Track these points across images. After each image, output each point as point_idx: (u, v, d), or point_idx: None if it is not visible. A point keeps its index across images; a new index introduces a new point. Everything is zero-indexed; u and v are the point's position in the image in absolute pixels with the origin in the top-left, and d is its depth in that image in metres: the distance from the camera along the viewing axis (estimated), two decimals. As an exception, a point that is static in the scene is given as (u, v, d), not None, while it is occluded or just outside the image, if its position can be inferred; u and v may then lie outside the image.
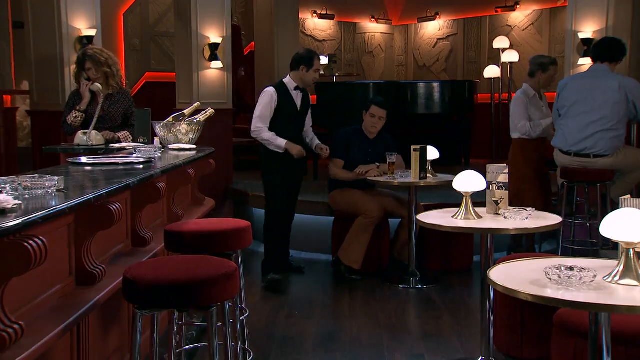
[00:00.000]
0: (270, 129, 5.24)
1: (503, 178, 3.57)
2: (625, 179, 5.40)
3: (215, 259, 2.42)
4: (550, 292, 2.21)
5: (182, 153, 4.08)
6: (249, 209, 6.94)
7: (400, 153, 5.49)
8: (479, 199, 3.59)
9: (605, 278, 2.28)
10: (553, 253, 5.47)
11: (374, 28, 12.64)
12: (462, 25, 11.72)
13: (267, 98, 5.23)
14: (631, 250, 2.25)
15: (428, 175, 5.18)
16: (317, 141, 5.52)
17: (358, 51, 12.44)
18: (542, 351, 3.49)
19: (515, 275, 2.44)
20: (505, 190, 3.56)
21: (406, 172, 5.19)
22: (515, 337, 3.68)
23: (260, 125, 5.22)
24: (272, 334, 4.19)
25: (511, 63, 9.99)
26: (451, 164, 7.67)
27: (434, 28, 12.19)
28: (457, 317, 4.52)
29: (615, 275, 2.27)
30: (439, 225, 3.46)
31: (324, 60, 10.52)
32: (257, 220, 6.86)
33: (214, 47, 7.19)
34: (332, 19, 12.12)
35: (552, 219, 3.52)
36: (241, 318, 3.26)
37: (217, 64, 7.24)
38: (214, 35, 7.24)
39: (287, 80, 5.33)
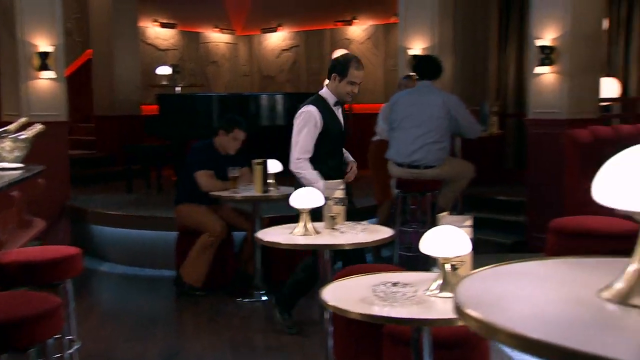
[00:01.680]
0: (315, 157, 4.26)
1: (339, 194, 3.67)
2: (451, 187, 5.77)
3: (35, 295, 2.30)
4: (377, 310, 2.29)
5: (5, 173, 3.83)
6: (89, 226, 6.66)
7: (248, 166, 5.49)
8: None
9: (425, 292, 2.41)
10: (391, 259, 5.73)
11: (217, 38, 12.58)
12: (304, 37, 11.96)
13: (311, 121, 4.20)
14: (448, 264, 2.40)
15: (271, 188, 5.23)
16: (350, 157, 4.55)
17: (202, 61, 12.31)
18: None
19: (346, 293, 2.51)
20: (342, 205, 3.66)
21: (250, 186, 5.21)
22: (351, 348, 3.79)
23: (302, 157, 4.23)
24: (110, 358, 4.05)
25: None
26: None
27: (277, 39, 12.35)
28: (300, 329, 4.59)
29: (435, 289, 2.40)
30: (278, 243, 3.50)
31: (166, 70, 10.32)
32: (97, 238, 6.61)
33: (43, 55, 6.80)
34: (174, 27, 11.92)
35: (385, 232, 3.65)
36: (70, 351, 3.12)
37: (48, 73, 6.85)
38: (44, 43, 6.84)
39: (325, 92, 4.32)
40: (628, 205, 1.18)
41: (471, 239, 2.43)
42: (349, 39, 11.32)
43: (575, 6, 6.33)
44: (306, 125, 4.20)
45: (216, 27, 12.49)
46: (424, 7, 7.72)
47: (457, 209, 6.04)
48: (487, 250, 6.33)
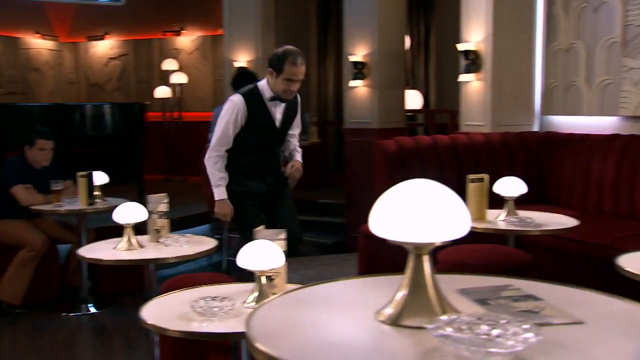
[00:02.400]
0: (234, 149, 3.85)
1: (164, 207, 3.60)
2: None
3: None
4: (196, 326, 2.28)
5: None
6: None
7: (72, 178, 5.21)
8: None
9: (243, 304, 2.43)
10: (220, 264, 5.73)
11: (39, 44, 11.79)
12: (132, 45, 11.58)
13: (233, 112, 3.76)
14: (264, 277, 2.44)
15: (97, 200, 5.02)
16: (297, 156, 4.06)
17: (22, 67, 11.48)
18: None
19: (166, 310, 2.47)
20: (167, 218, 3.60)
21: (75, 199, 4.96)
22: (177, 357, 3.73)
23: (215, 151, 3.84)
24: None
25: (180, 84, 10.21)
26: (127, 182, 7.55)
27: (105, 47, 11.84)
28: (128, 339, 4.45)
29: (251, 302, 2.43)
30: (101, 260, 3.38)
31: None
32: None
33: None
34: (-8, 32, 11.05)
35: (209, 243, 3.63)
36: None
37: None
38: None
39: (263, 84, 3.81)
40: (399, 236, 1.27)
41: (284, 251, 2.50)
42: (177, 49, 11.13)
43: (381, 27, 6.68)
44: (227, 115, 3.78)
45: (37, 33, 11.69)
46: (247, 21, 7.78)
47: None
48: (311, 251, 6.50)
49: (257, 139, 3.84)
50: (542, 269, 4.44)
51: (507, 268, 3.42)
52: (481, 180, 3.62)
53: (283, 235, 2.57)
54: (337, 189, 7.62)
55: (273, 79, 3.68)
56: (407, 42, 8.00)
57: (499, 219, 3.62)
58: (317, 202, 7.50)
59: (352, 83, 6.92)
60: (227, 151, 3.85)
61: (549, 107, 5.54)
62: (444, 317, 1.17)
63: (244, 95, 3.76)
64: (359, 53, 6.86)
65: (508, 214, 3.63)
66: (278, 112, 3.84)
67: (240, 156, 3.86)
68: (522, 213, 3.66)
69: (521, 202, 3.79)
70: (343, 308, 1.44)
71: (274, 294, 2.43)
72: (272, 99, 3.78)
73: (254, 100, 3.76)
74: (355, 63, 6.87)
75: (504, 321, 1.16)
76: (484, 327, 1.15)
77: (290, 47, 3.77)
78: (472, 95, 5.68)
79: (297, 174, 3.96)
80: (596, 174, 4.77)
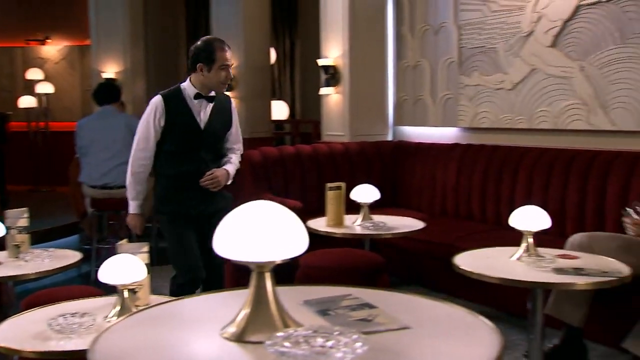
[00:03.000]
0: (159, 157, 3.36)
1: (23, 222, 3.39)
2: (145, 204, 5.69)
3: None
4: (53, 344, 2.16)
5: None
6: None
7: None
8: None
9: (105, 319, 2.34)
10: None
11: None
12: (-7, 54, 10.82)
13: (151, 113, 3.29)
14: (125, 290, 2.35)
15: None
16: (227, 165, 3.46)
17: None
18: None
19: (23, 329, 2.32)
20: (26, 233, 3.39)
21: None
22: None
23: (135, 159, 3.37)
24: None
25: (47, 94, 9.68)
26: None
27: (-38, 55, 10.98)
28: None
29: (113, 316, 2.34)
30: (-46, 278, 3.12)
31: None
32: None
33: None
34: None
35: (73, 257, 3.45)
36: None
37: None
38: None
39: (186, 84, 3.33)
40: (241, 256, 1.27)
41: (147, 263, 2.43)
42: (43, 59, 10.51)
43: (247, 42, 6.69)
44: (145, 116, 3.29)
45: None
46: (114, 32, 7.52)
47: (152, 223, 6.00)
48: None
49: (180, 143, 3.29)
50: (395, 269, 4.63)
51: (362, 269, 3.53)
52: (339, 188, 3.72)
53: (145, 249, 2.50)
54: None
55: (204, 74, 3.22)
56: (273, 55, 8.05)
57: (355, 223, 3.73)
58: (188, 209, 7.36)
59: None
60: (152, 161, 3.36)
61: (400, 119, 5.78)
62: (280, 333, 1.19)
63: (162, 94, 3.31)
64: (226, 66, 6.82)
65: (364, 219, 3.76)
66: (203, 112, 3.30)
67: (165, 166, 3.35)
68: (377, 217, 3.79)
69: (377, 207, 3.94)
70: (192, 326, 1.42)
71: (137, 306, 2.35)
72: (197, 96, 3.27)
73: (173, 99, 3.28)
74: (224, 76, 6.82)
75: (337, 332, 1.19)
76: (319, 340, 1.17)
77: (208, 36, 3.40)
78: (332, 107, 5.82)
79: (212, 184, 3.33)
80: (440, 180, 5.03)
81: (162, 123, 3.27)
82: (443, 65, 5.29)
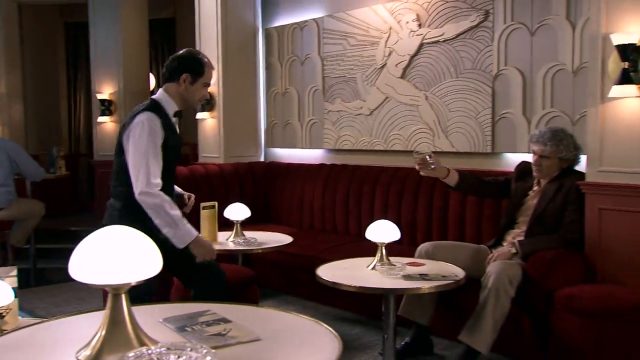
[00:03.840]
0: None
1: None
2: (22, 225, 5.35)
3: None
4: None
5: None
6: None
7: None
8: None
9: None
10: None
11: None
12: None
13: (148, 130, 2.62)
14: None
15: None
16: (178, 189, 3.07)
17: None
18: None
19: None
20: None
21: None
22: None
23: (156, 186, 2.61)
24: None
25: None
26: None
27: None
28: None
29: None
30: None
31: None
32: None
33: None
34: None
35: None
36: None
37: None
38: None
39: (162, 96, 2.77)
40: (97, 280, 1.23)
41: (14, 287, 2.27)
42: None
43: (126, 67, 6.50)
44: (147, 136, 2.61)
45: None
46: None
47: (30, 244, 5.62)
48: (62, 278, 5.96)
49: (167, 164, 2.73)
50: (267, 280, 4.64)
51: (234, 283, 3.50)
52: (213, 207, 3.68)
53: (14, 272, 2.34)
54: (88, 216, 7.17)
55: (186, 86, 2.75)
56: (152, 80, 7.85)
57: (228, 240, 3.70)
58: (68, 229, 6.96)
59: (100, 119, 6.60)
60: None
61: (271, 141, 5.82)
62: (131, 353, 1.15)
63: (152, 111, 2.68)
64: (106, 91, 6.57)
65: (236, 235, 3.74)
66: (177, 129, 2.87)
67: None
68: (248, 234, 3.79)
69: (250, 223, 3.93)
70: (51, 350, 1.35)
71: (5, 330, 2.19)
72: (176, 114, 2.81)
73: (163, 116, 2.71)
74: (103, 100, 6.57)
75: (189, 349, 1.18)
76: (172, 357, 1.15)
77: (190, 48, 2.98)
78: (208, 131, 5.75)
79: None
80: (308, 197, 5.11)
81: (160, 143, 2.68)
82: (309, 92, 5.40)
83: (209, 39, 5.62)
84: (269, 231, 4.14)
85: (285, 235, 3.96)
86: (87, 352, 1.24)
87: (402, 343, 3.39)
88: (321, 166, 5.19)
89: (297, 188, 5.22)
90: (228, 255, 3.95)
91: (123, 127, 2.74)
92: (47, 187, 6.46)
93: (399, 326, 3.15)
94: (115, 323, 1.26)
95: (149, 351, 1.16)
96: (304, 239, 4.38)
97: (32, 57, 7.71)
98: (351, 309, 4.22)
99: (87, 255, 1.23)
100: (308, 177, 5.17)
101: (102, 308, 1.49)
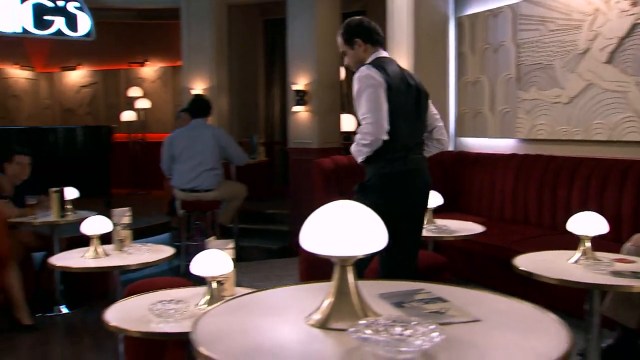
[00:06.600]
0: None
1: (127, 219, 3.52)
2: (228, 205, 5.81)
3: None
4: (153, 327, 2.23)
5: None
6: None
7: (44, 194, 5.04)
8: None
9: (196, 306, 2.39)
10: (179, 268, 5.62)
11: (17, 74, 11.39)
12: (101, 75, 11.30)
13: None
14: (214, 282, 2.40)
15: (68, 213, 4.86)
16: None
17: (3, 94, 11.08)
18: None
19: (127, 312, 2.41)
20: (129, 229, 3.52)
21: (48, 212, 4.80)
22: (140, 350, 3.64)
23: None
24: None
25: (144, 109, 10.04)
26: (96, 196, 7.34)
27: (77, 76, 11.51)
28: (96, 337, 4.29)
29: (204, 304, 2.39)
30: (69, 267, 3.28)
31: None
32: None
33: None
34: (-27, 63, 10.63)
35: (168, 251, 3.55)
36: None
37: None
38: None
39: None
40: (325, 251, 1.27)
41: (233, 258, 2.47)
42: (142, 78, 10.92)
43: (319, 61, 6.73)
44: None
45: (16, 64, 11.32)
46: (203, 54, 7.71)
47: (234, 223, 6.10)
48: (259, 256, 6.44)
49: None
50: (455, 268, 4.54)
51: (426, 268, 3.47)
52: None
53: (231, 245, 2.54)
54: (282, 201, 7.60)
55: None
56: (342, 73, 8.07)
57: (419, 226, 3.67)
58: (264, 212, 7.46)
59: (295, 108, 6.93)
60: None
61: (461, 130, 5.67)
62: (363, 321, 1.18)
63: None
64: (300, 82, 6.88)
65: (428, 223, 3.70)
66: None
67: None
68: (440, 221, 3.73)
69: (439, 212, 3.87)
70: (278, 313, 1.43)
71: (224, 296, 2.40)
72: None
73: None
74: (298, 91, 6.89)
75: (415, 322, 1.17)
76: (398, 329, 1.16)
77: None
78: (397, 120, 5.76)
79: None
80: (499, 187, 4.90)
81: None
82: (502, 80, 5.16)
83: (400, 29, 5.61)
84: (458, 220, 4.04)
85: (476, 224, 3.84)
86: (318, 316, 1.29)
87: (605, 345, 3.10)
88: (513, 156, 4.94)
89: (487, 177, 5.03)
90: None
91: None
92: (248, 172, 6.95)
93: (601, 327, 2.88)
94: (342, 293, 1.30)
95: (377, 322, 1.18)
96: (494, 229, 4.21)
97: (236, 54, 8.33)
98: (544, 303, 3.96)
99: (317, 227, 1.28)
100: (498, 166, 4.96)
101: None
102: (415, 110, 2.92)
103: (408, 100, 2.88)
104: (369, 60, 2.92)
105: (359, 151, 2.93)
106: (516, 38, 4.98)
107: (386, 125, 2.76)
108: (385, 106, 2.76)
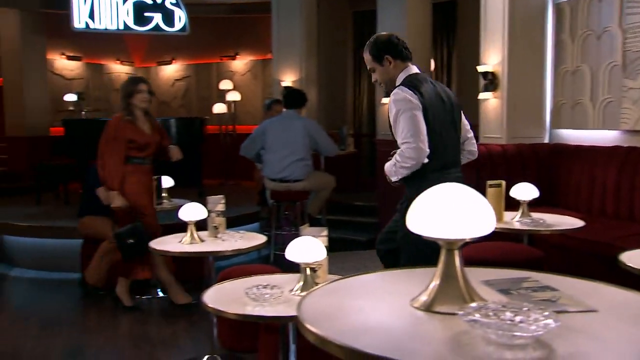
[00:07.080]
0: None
1: (221, 207, 3.62)
2: (317, 196, 5.85)
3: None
4: (250, 310, 2.28)
5: None
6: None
7: None
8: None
9: (290, 292, 2.42)
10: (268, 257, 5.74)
11: (119, 69, 12.06)
12: (194, 69, 11.73)
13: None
14: (308, 268, 2.42)
15: (164, 200, 5.08)
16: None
17: (106, 89, 11.77)
18: (256, 344, 3.60)
19: (224, 295, 2.48)
20: (223, 217, 3.62)
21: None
22: (233, 334, 3.74)
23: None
24: (18, 355, 3.77)
25: (235, 101, 10.31)
26: (189, 186, 7.62)
27: (171, 70, 12.02)
28: (191, 320, 4.47)
29: (297, 290, 2.42)
30: (168, 252, 3.43)
31: (72, 97, 9.81)
32: (7, 246, 6.16)
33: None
34: (80, 60, 11.32)
35: (260, 239, 3.62)
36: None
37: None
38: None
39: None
40: (432, 233, 1.25)
41: (326, 246, 2.48)
42: (232, 71, 11.23)
43: (412, 50, 6.61)
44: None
45: (118, 60, 11.99)
46: (293, 47, 7.80)
47: (322, 214, 6.14)
48: (347, 247, 6.46)
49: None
50: (551, 264, 4.35)
51: (521, 263, 3.34)
52: (499, 185, 3.56)
53: (325, 232, 2.56)
54: (370, 193, 7.58)
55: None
56: (432, 64, 7.93)
57: (514, 220, 3.56)
58: (352, 204, 7.47)
59: (384, 100, 6.87)
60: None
61: (558, 122, 5.42)
62: (472, 305, 1.15)
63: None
64: (390, 75, 6.81)
65: (522, 216, 3.57)
66: None
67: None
68: (535, 215, 3.59)
69: (534, 205, 3.71)
70: (379, 296, 1.42)
71: (317, 283, 2.42)
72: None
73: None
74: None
75: (526, 308, 1.13)
76: (508, 314, 1.12)
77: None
78: (490, 111, 5.59)
79: None
80: (600, 181, 4.64)
81: None
82: (605, 69, 4.87)
83: (493, 17, 5.43)
84: (554, 214, 3.86)
85: (575, 219, 3.65)
86: (424, 298, 1.27)
87: None
88: (616, 148, 4.67)
89: (586, 171, 4.78)
90: (513, 235, 3.79)
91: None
92: (336, 163, 6.98)
93: None
94: (448, 276, 1.27)
95: (486, 306, 1.14)
96: (594, 224, 3.99)
97: (325, 46, 8.38)
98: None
99: (425, 209, 1.26)
100: (600, 159, 4.70)
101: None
102: (451, 126, 2.95)
103: (444, 117, 2.90)
104: (401, 77, 2.89)
105: (396, 172, 2.98)
106: (623, 23, 4.68)
107: (427, 149, 2.79)
108: (424, 128, 2.77)
